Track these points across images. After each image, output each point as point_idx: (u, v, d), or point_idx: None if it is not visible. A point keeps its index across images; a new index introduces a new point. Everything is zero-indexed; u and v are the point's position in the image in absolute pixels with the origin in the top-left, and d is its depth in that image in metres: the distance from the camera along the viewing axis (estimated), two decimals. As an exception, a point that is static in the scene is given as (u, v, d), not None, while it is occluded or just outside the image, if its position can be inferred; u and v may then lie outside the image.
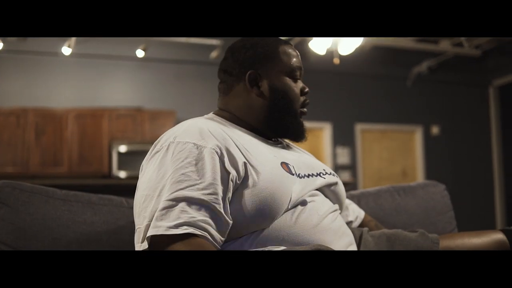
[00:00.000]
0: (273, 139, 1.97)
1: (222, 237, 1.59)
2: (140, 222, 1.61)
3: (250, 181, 1.64)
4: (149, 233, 1.52)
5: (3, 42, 7.79)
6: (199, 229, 1.51)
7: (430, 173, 11.97)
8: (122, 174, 9.28)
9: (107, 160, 9.44)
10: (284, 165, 1.77)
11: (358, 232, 1.99)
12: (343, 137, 11.55)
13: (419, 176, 12.08)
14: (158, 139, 1.75)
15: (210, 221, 1.54)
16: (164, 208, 1.52)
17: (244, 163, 1.66)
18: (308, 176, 1.83)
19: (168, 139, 1.69)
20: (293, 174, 1.76)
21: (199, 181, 1.57)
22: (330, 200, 1.90)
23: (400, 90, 12.10)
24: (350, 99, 11.66)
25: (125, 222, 2.06)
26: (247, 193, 1.63)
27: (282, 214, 1.68)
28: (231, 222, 1.61)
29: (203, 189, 1.56)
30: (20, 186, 2.05)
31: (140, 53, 8.55)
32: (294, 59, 1.91)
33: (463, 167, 12.28)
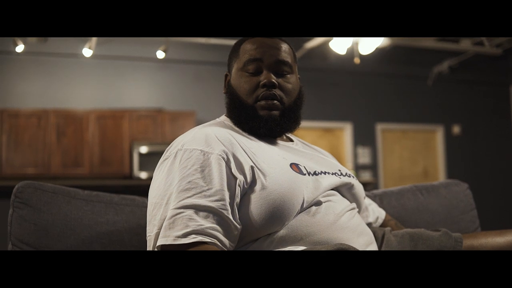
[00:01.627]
0: (284, 138, 1.96)
1: (232, 243, 1.59)
2: (150, 230, 1.62)
3: (259, 185, 1.63)
4: (159, 243, 1.53)
5: (24, 44, 7.82)
6: (208, 236, 1.51)
7: (452, 172, 11.91)
8: (143, 175, 9.31)
9: (128, 161, 9.47)
10: (294, 166, 1.75)
11: (381, 232, 1.97)
12: (364, 137, 11.53)
13: (441, 175, 12.02)
14: (169, 145, 1.76)
15: (218, 227, 1.54)
16: (172, 217, 1.53)
17: (252, 167, 1.65)
18: (321, 173, 1.81)
19: (177, 146, 1.70)
20: (304, 174, 1.74)
21: (206, 188, 1.57)
22: (347, 200, 1.89)
23: (421, 90, 12.05)
24: (370, 99, 11.63)
25: (147, 222, 2.06)
26: (256, 197, 1.62)
27: (297, 215, 1.66)
28: (240, 227, 1.60)
29: (210, 196, 1.56)
30: (42, 186, 2.06)
31: (160, 54, 8.55)
32: (251, 52, 1.87)
33: (485, 167, 12.22)
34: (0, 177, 8.84)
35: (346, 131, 11.48)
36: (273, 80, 1.82)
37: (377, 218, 2.18)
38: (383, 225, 2.19)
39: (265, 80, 1.82)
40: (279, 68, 1.86)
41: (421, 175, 11.96)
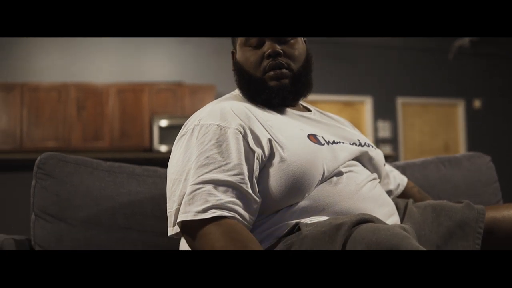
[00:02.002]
0: (301, 108, 1.95)
1: (252, 216, 1.59)
2: (170, 206, 1.62)
3: (277, 158, 1.62)
4: (179, 219, 1.53)
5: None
6: (228, 210, 1.51)
7: (472, 146, 11.85)
8: (163, 148, 9.33)
9: (148, 134, 9.49)
10: (312, 137, 1.74)
11: (403, 203, 1.96)
12: (384, 111, 11.47)
13: (461, 149, 11.96)
14: (186, 121, 1.75)
15: (238, 201, 1.54)
16: (191, 192, 1.53)
17: (269, 139, 1.64)
18: (339, 143, 1.80)
19: (193, 122, 1.69)
20: (322, 144, 1.73)
21: (224, 162, 1.57)
22: (368, 170, 1.88)
23: (442, 64, 11.96)
24: (391, 73, 11.56)
25: (169, 193, 2.06)
26: (276, 169, 1.62)
27: (318, 185, 1.66)
28: (259, 200, 1.60)
29: (228, 170, 1.56)
30: (64, 158, 2.07)
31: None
32: None
33: (506, 141, 12.13)
34: (21, 151, 8.90)
35: (367, 105, 11.43)
36: (277, 49, 1.80)
37: (398, 185, 2.17)
38: (405, 192, 2.19)
39: (269, 51, 1.80)
40: (280, 40, 1.84)
41: (441, 149, 11.91)
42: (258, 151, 1.61)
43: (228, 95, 1.92)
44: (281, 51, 1.81)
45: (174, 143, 1.74)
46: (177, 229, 1.58)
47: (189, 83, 9.95)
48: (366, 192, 1.73)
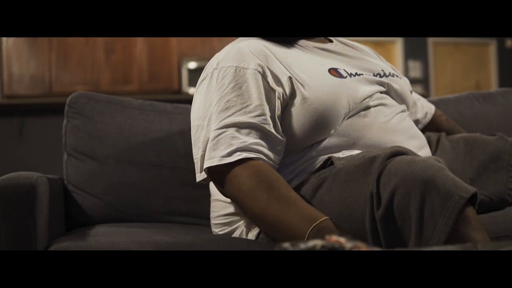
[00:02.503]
0: (323, 39, 1.91)
1: (278, 156, 1.59)
2: (196, 153, 1.62)
3: (299, 96, 1.61)
4: (206, 165, 1.54)
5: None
6: (253, 152, 1.51)
7: (504, 86, 11.70)
8: (192, 90, 9.30)
9: (176, 77, 9.48)
10: (333, 71, 1.71)
11: (436, 137, 1.94)
12: (415, 51, 11.34)
13: (493, 89, 11.83)
14: (206, 64, 1.74)
15: (262, 142, 1.54)
16: (215, 138, 1.53)
17: (289, 77, 1.62)
18: (361, 75, 1.76)
19: (212, 65, 1.68)
20: (345, 77, 1.70)
21: (245, 104, 1.56)
22: (396, 101, 1.84)
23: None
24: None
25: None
26: (298, 107, 1.61)
27: (347, 119, 1.64)
28: (284, 139, 1.60)
29: (250, 112, 1.55)
30: (95, 96, 2.07)
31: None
32: None
33: (539, 80, 11.98)
34: (50, 95, 8.94)
35: (397, 45, 11.31)
36: None
37: (426, 113, 2.16)
38: (434, 120, 2.17)
39: None
40: None
41: (473, 89, 11.76)
42: (279, 90, 1.60)
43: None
44: None
45: (196, 88, 1.74)
46: (204, 175, 1.59)
47: (217, 25, 9.89)
48: (395, 124, 1.72)
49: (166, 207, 2.02)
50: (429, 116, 2.16)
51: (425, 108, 2.16)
